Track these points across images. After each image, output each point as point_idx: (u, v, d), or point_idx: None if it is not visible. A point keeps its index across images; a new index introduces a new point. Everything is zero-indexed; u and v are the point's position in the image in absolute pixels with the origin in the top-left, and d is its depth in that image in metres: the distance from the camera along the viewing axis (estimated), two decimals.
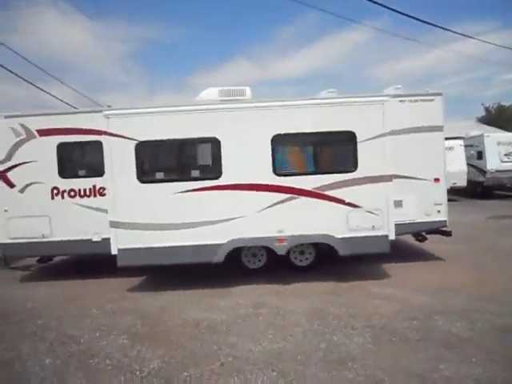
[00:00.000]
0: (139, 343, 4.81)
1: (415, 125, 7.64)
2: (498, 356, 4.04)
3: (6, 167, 7.59)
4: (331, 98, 6.78)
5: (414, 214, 7.72)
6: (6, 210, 7.59)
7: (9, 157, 7.57)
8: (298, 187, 6.65)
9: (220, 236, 6.63)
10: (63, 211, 7.55)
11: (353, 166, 6.68)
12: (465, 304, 5.54)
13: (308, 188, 6.65)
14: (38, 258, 8.43)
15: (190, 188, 6.62)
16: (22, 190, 7.58)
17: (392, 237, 6.73)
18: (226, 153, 6.62)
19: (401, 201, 7.66)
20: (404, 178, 7.64)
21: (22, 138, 7.54)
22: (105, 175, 6.80)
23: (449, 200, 8.05)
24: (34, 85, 15.91)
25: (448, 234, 8.07)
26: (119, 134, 6.55)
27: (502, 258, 8.07)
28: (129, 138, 6.55)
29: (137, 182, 6.59)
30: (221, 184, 6.64)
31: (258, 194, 6.63)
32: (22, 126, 7.53)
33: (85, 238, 7.56)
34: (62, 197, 7.59)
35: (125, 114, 6.60)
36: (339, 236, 6.71)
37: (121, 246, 6.63)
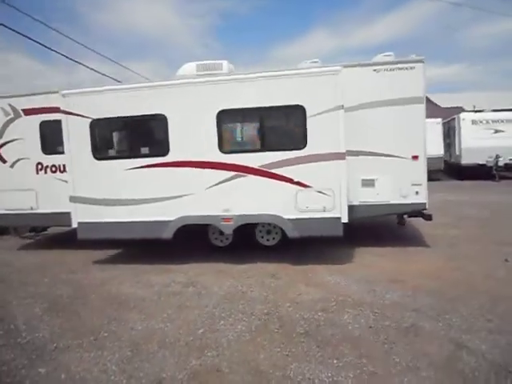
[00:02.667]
0: (49, 312, 5.12)
1: (391, 96, 6.90)
2: (368, 360, 3.64)
3: None
4: (278, 71, 6.33)
5: (388, 194, 7.08)
6: None
7: (0, 135, 8.24)
8: (244, 165, 6.43)
9: (169, 213, 6.68)
10: (47, 185, 8.10)
11: (302, 142, 6.28)
12: (397, 298, 5.04)
13: (254, 166, 6.40)
14: (30, 229, 9.20)
15: (140, 165, 6.72)
16: (12, 166, 8.25)
17: (345, 219, 6.28)
18: (172, 130, 6.58)
19: (373, 180, 7.08)
20: (377, 156, 7.02)
21: (10, 117, 8.16)
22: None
23: None
24: (118, 63, 16.84)
25: (428, 218, 7.29)
26: (75, 112, 6.81)
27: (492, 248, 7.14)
28: (84, 116, 6.78)
29: (92, 158, 6.84)
30: (168, 161, 6.64)
31: (204, 172, 6.54)
32: (10, 106, 8.13)
33: (66, 210, 8.04)
34: (45, 172, 8.14)
35: (80, 92, 6.82)
36: (287, 217, 6.41)
37: (80, 220, 6.98)
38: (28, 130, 8.06)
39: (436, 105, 38.08)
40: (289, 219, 6.40)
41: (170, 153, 6.61)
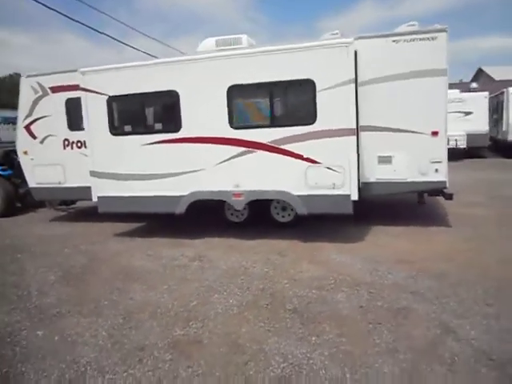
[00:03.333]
0: (61, 281, 5.46)
1: (411, 69, 6.52)
2: (348, 339, 3.61)
3: (30, 121, 8.72)
4: (288, 44, 6.16)
5: (405, 172, 6.79)
6: (32, 159, 8.83)
7: (31, 112, 8.67)
8: (254, 140, 6.39)
9: (181, 188, 6.81)
10: (73, 160, 8.47)
11: (311, 118, 6.13)
12: (399, 279, 4.90)
13: (264, 141, 6.35)
14: (60, 202, 9.69)
15: (154, 140, 6.85)
16: (42, 141, 8.68)
17: (355, 197, 6.13)
18: (184, 106, 6.63)
19: (390, 157, 6.81)
20: (394, 131, 6.72)
21: (39, 95, 8.54)
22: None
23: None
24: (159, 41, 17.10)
25: (448, 197, 6.95)
26: (93, 89, 7.01)
27: None
28: (101, 93, 6.98)
29: (109, 134, 7.06)
30: (181, 137, 6.73)
31: (215, 148, 6.57)
32: (39, 84, 8.49)
33: (90, 185, 8.40)
34: (72, 147, 8.50)
35: (97, 70, 7.00)
36: (296, 193, 6.35)
37: (99, 194, 7.29)
38: (55, 107, 8.40)
39: (490, 77, 35.66)
40: (298, 195, 6.34)
41: (182, 129, 6.69)
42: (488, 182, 11.60)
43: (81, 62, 6.21)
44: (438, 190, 6.86)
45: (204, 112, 6.54)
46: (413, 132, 6.65)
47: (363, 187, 6.98)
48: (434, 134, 6.59)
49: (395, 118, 6.68)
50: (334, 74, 5.90)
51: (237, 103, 6.44)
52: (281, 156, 6.29)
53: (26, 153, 8.88)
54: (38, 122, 8.67)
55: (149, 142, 6.85)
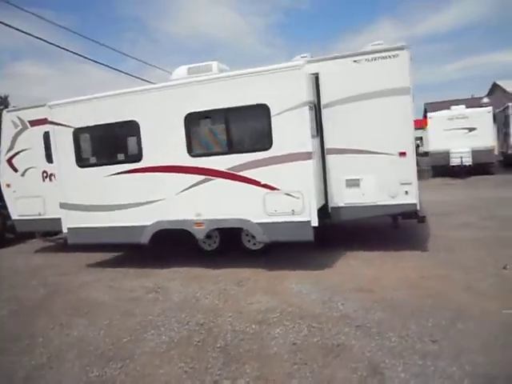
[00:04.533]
0: (10, 316, 5.42)
1: (374, 88, 6.36)
2: (265, 382, 3.36)
3: (11, 154, 8.92)
4: (240, 70, 6.10)
5: (374, 195, 6.54)
6: (14, 191, 8.98)
7: (12, 146, 8.87)
8: (212, 168, 6.29)
9: (145, 218, 6.73)
10: (52, 192, 8.51)
11: (267, 143, 6.00)
12: (349, 311, 4.62)
13: (222, 169, 6.24)
14: (43, 233, 9.76)
15: (118, 171, 6.84)
16: (22, 174, 8.84)
17: (314, 223, 5.89)
18: (144, 135, 6.62)
19: (358, 180, 6.59)
20: (361, 153, 6.52)
21: (19, 128, 8.74)
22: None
23: None
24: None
25: (421, 220, 6.62)
26: (60, 122, 7.11)
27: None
28: (67, 126, 7.05)
29: (76, 166, 7.09)
30: (142, 166, 6.69)
31: (175, 176, 6.50)
32: (19, 118, 8.70)
33: None
34: (50, 179, 8.60)
35: (63, 103, 7.10)
36: (256, 221, 6.17)
37: (69, 225, 7.28)
38: (34, 141, 8.56)
39: (505, 91, 34.84)
40: (258, 223, 6.15)
41: (143, 158, 6.66)
42: (487, 201, 11.08)
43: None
44: (409, 212, 6.53)
45: (163, 141, 6.51)
46: (379, 153, 6.43)
47: (332, 212, 6.77)
48: (402, 154, 6.34)
49: (361, 140, 6.49)
50: (286, 97, 5.78)
51: (194, 131, 6.39)
52: (239, 183, 6.16)
53: (8, 185, 9.04)
54: (18, 155, 8.85)
55: (113, 172, 6.84)
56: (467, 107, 17.80)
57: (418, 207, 6.41)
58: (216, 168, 6.25)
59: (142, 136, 6.60)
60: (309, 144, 5.77)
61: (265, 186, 6.04)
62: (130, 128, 6.67)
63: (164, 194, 6.58)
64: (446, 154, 16.88)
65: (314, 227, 5.92)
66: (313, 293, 5.27)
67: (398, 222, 7.12)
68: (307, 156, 5.79)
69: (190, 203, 6.43)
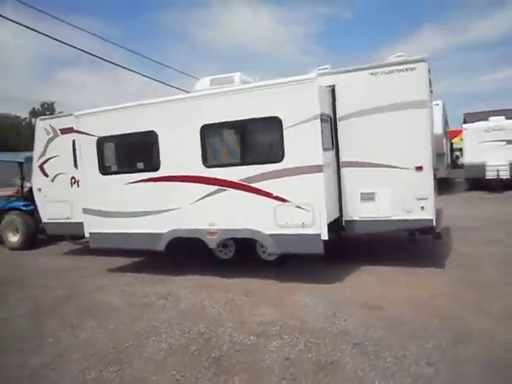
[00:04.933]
0: (29, 314, 5.69)
1: (391, 101, 6.28)
2: None
3: (43, 160, 9.40)
4: (255, 83, 6.20)
5: (388, 209, 6.42)
6: (45, 196, 9.44)
7: (44, 152, 9.35)
8: (225, 179, 6.39)
9: (162, 226, 6.91)
10: (79, 197, 8.91)
11: (280, 155, 6.03)
12: (350, 327, 4.57)
13: (235, 180, 6.33)
14: (71, 236, 10.16)
15: (137, 179, 7.07)
16: (53, 180, 9.29)
17: (324, 237, 5.86)
18: (162, 145, 6.82)
19: (373, 193, 6.50)
20: (376, 167, 6.44)
21: (50, 136, 9.21)
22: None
23: None
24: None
25: (437, 236, 6.44)
26: (85, 131, 7.44)
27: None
28: (91, 135, 7.38)
29: (98, 173, 7.39)
30: (160, 176, 6.89)
31: (190, 186, 6.64)
32: (51, 126, 9.17)
33: None
34: (78, 185, 8.95)
35: (88, 113, 7.45)
36: (267, 232, 6.21)
37: (91, 230, 7.59)
38: (63, 148, 8.97)
39: None
40: (269, 234, 6.18)
41: (161, 167, 6.85)
42: None
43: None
44: (424, 228, 6.36)
45: (180, 151, 6.68)
46: (395, 167, 6.33)
47: (347, 225, 6.72)
48: (419, 168, 6.21)
49: (377, 153, 6.41)
50: (299, 110, 5.81)
51: (209, 142, 6.52)
52: (251, 194, 6.22)
53: (39, 190, 9.52)
54: (49, 161, 9.31)
55: (132, 180, 7.08)
56: (507, 118, 17.07)
57: (435, 223, 6.23)
58: (229, 179, 6.34)
59: (160, 146, 6.81)
60: (320, 157, 5.76)
61: (276, 197, 6.07)
62: (149, 138, 6.88)
63: (180, 203, 6.73)
64: (482, 167, 16.25)
65: (324, 240, 5.87)
66: (319, 307, 5.24)
67: (415, 237, 6.93)
68: (318, 169, 5.78)
69: (204, 213, 6.55)
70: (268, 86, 6.04)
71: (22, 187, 10.95)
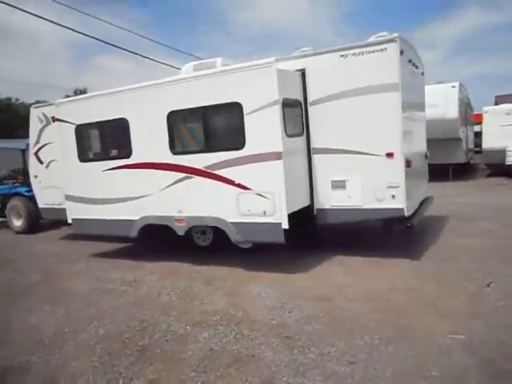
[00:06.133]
0: (2, 297, 5.90)
1: (360, 85, 5.99)
2: None
3: (38, 148, 9.64)
4: (217, 68, 6.05)
5: (360, 198, 6.19)
6: (40, 182, 9.72)
7: (38, 139, 9.58)
8: (191, 166, 6.34)
9: (134, 212, 6.97)
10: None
11: (241, 142, 5.90)
12: (291, 320, 4.46)
13: (200, 167, 6.26)
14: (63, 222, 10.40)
15: (112, 166, 7.13)
16: (47, 166, 9.52)
17: (285, 226, 5.72)
18: (133, 132, 6.83)
19: (343, 181, 6.28)
20: (347, 153, 6.20)
21: (43, 124, 9.41)
22: None
23: None
24: None
25: (408, 226, 6.14)
26: (64, 119, 7.56)
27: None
28: (70, 123, 7.48)
29: (77, 161, 7.50)
30: (131, 163, 6.91)
31: (159, 173, 6.64)
32: (43, 114, 9.36)
33: None
34: None
35: (67, 101, 7.57)
36: (230, 220, 6.13)
37: (73, 216, 7.76)
38: (55, 135, 9.12)
39: None
40: (232, 223, 6.10)
41: (132, 155, 6.87)
42: None
43: None
44: (396, 218, 6.09)
45: (149, 138, 6.66)
46: (366, 154, 6.07)
47: (318, 214, 6.55)
48: (389, 155, 5.93)
49: (347, 139, 6.16)
50: (258, 96, 5.64)
51: (176, 129, 6.46)
52: (215, 182, 6.14)
53: (36, 176, 9.81)
54: (43, 148, 9.53)
55: (108, 167, 7.14)
56: None
57: (406, 213, 5.94)
58: (194, 166, 6.28)
59: (131, 133, 6.82)
60: (279, 144, 5.59)
61: (238, 185, 5.96)
62: (121, 125, 6.89)
63: (150, 190, 6.75)
64: (502, 152, 15.36)
65: (285, 229, 5.73)
66: (270, 297, 5.14)
67: (390, 226, 6.64)
68: (277, 156, 5.61)
69: (173, 200, 6.54)
70: (228, 72, 5.89)
71: (24, 174, 11.29)
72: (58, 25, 12.69)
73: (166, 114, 6.41)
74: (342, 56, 6.05)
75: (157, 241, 7.46)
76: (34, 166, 9.80)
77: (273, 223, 5.76)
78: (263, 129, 5.67)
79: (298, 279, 5.76)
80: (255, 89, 5.65)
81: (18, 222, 11.11)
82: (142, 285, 5.99)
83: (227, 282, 5.83)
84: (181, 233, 6.64)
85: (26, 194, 10.88)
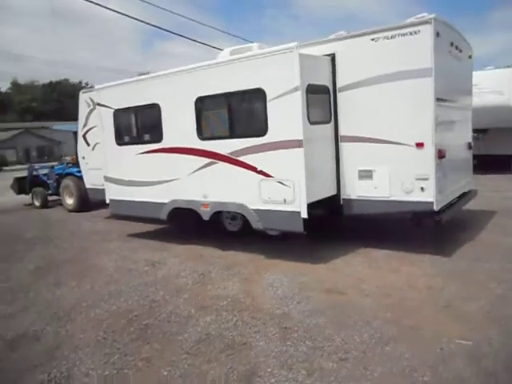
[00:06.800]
0: (29, 271, 6.36)
1: (391, 70, 5.66)
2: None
3: (85, 131, 10.18)
4: (241, 54, 6.00)
5: (387, 189, 5.92)
6: (87, 163, 10.29)
7: (86, 123, 10.11)
8: (217, 152, 6.38)
9: (165, 195, 7.17)
10: None
11: (263, 129, 5.83)
12: (294, 311, 4.41)
13: (224, 153, 6.29)
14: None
15: (145, 150, 7.37)
16: (93, 148, 10.02)
17: (304, 215, 5.62)
18: (164, 117, 6.98)
19: (371, 171, 6.05)
20: (375, 142, 5.94)
21: (90, 108, 9.88)
22: None
23: None
24: None
25: (436, 221, 5.77)
26: (104, 104, 7.90)
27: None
28: (109, 107, 7.80)
29: (115, 144, 7.84)
30: (163, 147, 7.09)
31: (187, 158, 6.75)
32: (90, 99, 9.83)
33: None
34: None
35: (106, 86, 7.87)
36: (252, 207, 6.12)
37: (110, 197, 8.15)
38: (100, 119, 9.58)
39: None
40: (253, 209, 6.09)
41: (163, 139, 7.04)
42: None
43: None
44: (425, 212, 5.75)
45: (179, 123, 6.78)
46: (395, 143, 5.77)
47: (344, 204, 6.37)
48: (419, 145, 5.60)
49: (376, 127, 5.90)
50: (280, 82, 5.52)
51: (203, 115, 6.50)
52: (238, 168, 6.14)
53: (83, 158, 10.39)
54: (90, 131, 10.04)
55: (141, 151, 7.39)
56: None
57: (436, 206, 5.59)
58: (220, 152, 6.31)
59: (162, 118, 6.97)
60: (300, 131, 5.45)
61: (260, 172, 5.92)
62: (154, 110, 7.07)
63: (179, 174, 6.89)
64: None
65: (305, 219, 5.62)
66: (283, 286, 5.10)
67: (420, 220, 6.27)
68: (298, 144, 5.49)
69: (199, 184, 6.64)
70: (252, 58, 5.83)
71: (76, 154, 11.97)
72: (121, 13, 12.99)
73: (194, 99, 6.47)
74: (373, 39, 5.74)
75: (189, 224, 7.62)
76: (81, 148, 10.37)
77: (292, 212, 5.68)
78: (285, 116, 5.56)
79: (316, 270, 5.65)
80: (277, 75, 5.53)
81: (69, 201, 11.87)
82: (164, 266, 6.18)
83: (246, 269, 5.84)
84: (206, 217, 6.73)
85: (78, 174, 11.55)
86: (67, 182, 11.79)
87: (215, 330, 4.02)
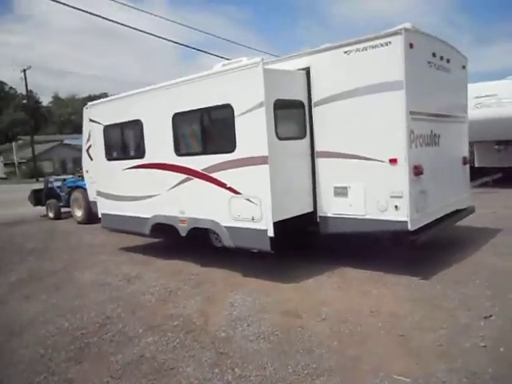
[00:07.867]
0: (18, 282, 6.52)
1: (363, 84, 5.47)
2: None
3: (89, 145, 10.45)
4: (212, 70, 5.98)
5: (363, 207, 5.67)
6: (90, 177, 10.53)
7: (89, 137, 10.37)
8: (191, 168, 6.36)
9: (147, 211, 7.21)
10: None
11: (232, 145, 5.75)
12: (239, 335, 4.26)
13: (198, 169, 6.25)
14: None
15: (130, 166, 7.45)
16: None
17: (271, 233, 5.47)
18: (146, 133, 7.05)
19: (345, 188, 5.84)
20: (350, 158, 5.73)
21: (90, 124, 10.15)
22: None
23: None
24: None
25: (413, 243, 5.44)
26: (96, 120, 8.09)
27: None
28: (100, 123, 7.98)
29: (105, 159, 7.99)
30: (145, 163, 7.15)
31: (166, 174, 6.77)
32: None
33: None
34: None
35: (96, 103, 8.07)
36: (224, 224, 6.03)
37: (102, 211, 8.30)
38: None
39: None
40: (225, 226, 6.00)
41: (145, 155, 7.10)
42: None
43: None
44: (400, 231, 5.45)
45: (159, 139, 6.82)
46: (369, 159, 5.55)
47: (321, 222, 6.16)
48: (392, 161, 5.35)
49: (351, 143, 5.70)
50: (247, 97, 5.44)
51: (179, 131, 6.51)
52: (211, 184, 6.08)
53: (87, 172, 10.65)
54: (92, 146, 10.25)
55: (127, 166, 7.48)
56: None
57: (411, 227, 5.29)
58: (194, 168, 6.29)
59: (144, 134, 7.04)
60: (265, 147, 5.33)
61: (230, 189, 5.83)
62: (137, 126, 7.16)
63: (159, 190, 6.91)
64: None
65: (271, 237, 5.46)
66: (242, 307, 4.96)
67: (395, 240, 5.95)
68: (263, 160, 5.37)
69: (177, 200, 6.63)
70: (221, 73, 5.79)
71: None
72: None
73: (172, 115, 6.49)
74: (346, 52, 5.56)
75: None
76: (85, 162, 10.64)
77: (260, 230, 5.54)
78: (251, 132, 5.47)
79: (284, 290, 5.46)
80: (244, 90, 5.46)
81: (79, 213, 12.20)
82: (138, 281, 6.18)
83: (215, 287, 5.74)
84: (183, 233, 6.69)
85: (85, 187, 11.85)
86: (77, 194, 12.14)
87: (151, 353, 3.93)
